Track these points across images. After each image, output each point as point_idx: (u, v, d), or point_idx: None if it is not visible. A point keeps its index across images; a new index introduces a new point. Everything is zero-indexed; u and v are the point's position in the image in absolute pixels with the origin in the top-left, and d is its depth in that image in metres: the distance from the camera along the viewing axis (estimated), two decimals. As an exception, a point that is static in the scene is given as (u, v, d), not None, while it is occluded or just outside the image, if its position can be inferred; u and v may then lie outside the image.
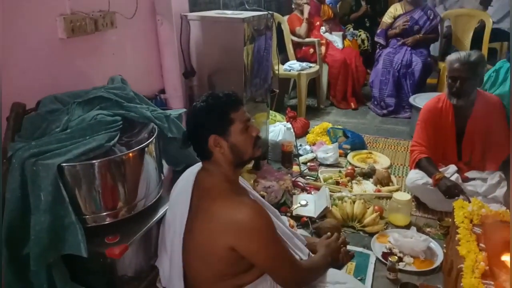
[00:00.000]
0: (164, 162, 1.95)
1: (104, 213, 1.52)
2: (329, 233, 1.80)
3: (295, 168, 3.00)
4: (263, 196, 2.22)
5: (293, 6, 4.58)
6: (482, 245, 1.65)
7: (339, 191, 2.62)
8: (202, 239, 1.27)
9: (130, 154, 1.54)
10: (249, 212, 1.22)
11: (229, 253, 1.24)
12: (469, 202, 1.92)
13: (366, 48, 5.11)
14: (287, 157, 3.08)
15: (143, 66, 2.57)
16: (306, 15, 4.41)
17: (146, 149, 1.59)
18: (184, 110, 2.03)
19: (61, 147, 1.46)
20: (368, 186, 2.75)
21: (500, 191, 2.33)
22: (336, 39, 4.50)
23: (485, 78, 2.63)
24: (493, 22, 4.28)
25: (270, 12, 2.95)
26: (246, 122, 1.33)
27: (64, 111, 1.68)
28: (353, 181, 2.81)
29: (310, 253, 1.59)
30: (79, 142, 1.49)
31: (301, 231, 2.11)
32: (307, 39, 4.40)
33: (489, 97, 2.45)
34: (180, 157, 1.92)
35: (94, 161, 1.46)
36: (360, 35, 5.11)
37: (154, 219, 1.62)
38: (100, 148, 1.49)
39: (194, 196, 1.33)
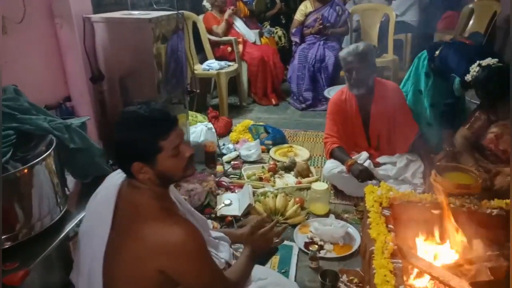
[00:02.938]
0: (70, 175, 1.83)
1: (1, 237, 1.39)
2: (253, 223, 1.49)
3: (219, 168, 2.99)
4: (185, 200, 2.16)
5: (205, 4, 4.53)
6: (390, 226, 1.75)
7: (262, 187, 2.65)
8: (131, 261, 1.18)
9: (26, 170, 1.42)
10: (182, 234, 1.15)
11: (159, 276, 1.18)
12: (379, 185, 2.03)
13: (283, 44, 5.22)
14: (210, 157, 3.04)
15: (43, 73, 2.38)
16: (227, 16, 4.40)
17: (43, 163, 1.48)
18: (88, 118, 1.90)
19: None
20: (290, 179, 2.81)
21: (409, 173, 2.51)
22: (247, 31, 4.53)
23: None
24: (397, 15, 4.61)
25: (180, 11, 2.89)
26: (177, 146, 1.20)
27: None
28: (276, 176, 2.86)
29: (234, 252, 1.56)
30: (-37, 161, 1.34)
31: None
32: (225, 38, 4.39)
33: (386, 84, 2.63)
34: (87, 169, 1.82)
35: (-18, 181, 1.32)
36: (277, 32, 5.21)
37: (60, 237, 1.52)
38: (-11, 166, 1.36)
39: (119, 211, 1.21)
